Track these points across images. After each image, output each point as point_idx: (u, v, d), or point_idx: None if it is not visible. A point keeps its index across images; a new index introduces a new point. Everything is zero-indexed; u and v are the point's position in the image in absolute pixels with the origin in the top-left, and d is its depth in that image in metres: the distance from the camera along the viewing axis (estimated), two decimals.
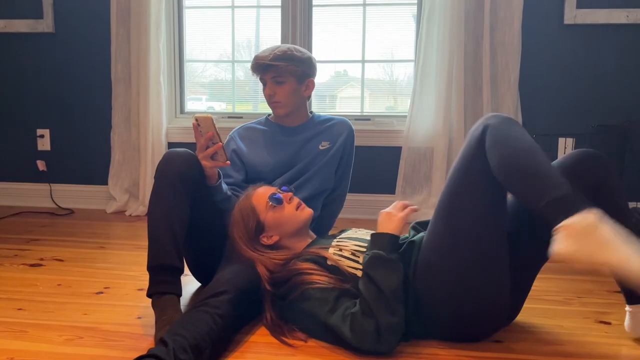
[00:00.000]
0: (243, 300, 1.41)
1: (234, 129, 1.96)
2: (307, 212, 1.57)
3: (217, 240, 1.72)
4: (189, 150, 1.58)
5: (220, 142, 1.55)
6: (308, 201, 1.86)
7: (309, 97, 1.93)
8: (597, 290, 1.83)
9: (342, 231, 1.64)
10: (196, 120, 1.55)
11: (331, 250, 1.48)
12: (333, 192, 1.98)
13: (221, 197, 1.68)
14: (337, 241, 1.51)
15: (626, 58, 2.77)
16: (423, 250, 1.37)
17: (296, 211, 1.56)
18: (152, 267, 1.47)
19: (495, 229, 1.30)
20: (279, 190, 1.59)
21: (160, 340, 1.20)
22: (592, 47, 2.79)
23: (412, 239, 1.43)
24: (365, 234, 1.55)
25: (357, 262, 1.44)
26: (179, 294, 1.47)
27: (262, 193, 1.57)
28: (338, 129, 1.93)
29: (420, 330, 1.39)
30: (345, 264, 1.43)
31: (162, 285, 1.45)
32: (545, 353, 1.35)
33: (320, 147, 1.89)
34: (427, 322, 1.38)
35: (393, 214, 1.41)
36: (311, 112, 1.98)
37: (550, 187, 1.13)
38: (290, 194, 1.59)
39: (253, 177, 1.87)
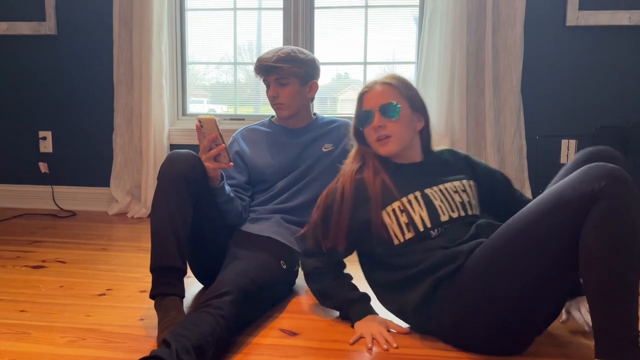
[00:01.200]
0: (246, 301, 1.41)
1: (237, 130, 1.96)
2: (382, 150, 1.47)
3: (220, 241, 1.72)
4: (192, 152, 1.58)
5: (224, 143, 1.54)
6: (311, 203, 1.86)
7: (313, 99, 1.93)
8: None
9: (453, 157, 1.57)
10: (199, 121, 1.54)
11: (394, 205, 1.41)
12: None
13: (224, 199, 1.67)
14: (412, 198, 1.42)
15: (628, 59, 2.76)
16: (474, 262, 1.29)
17: (375, 142, 1.48)
18: (155, 269, 1.47)
19: (553, 279, 1.20)
20: (378, 111, 1.46)
21: (162, 342, 1.19)
22: (594, 49, 2.78)
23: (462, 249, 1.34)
24: (449, 210, 1.42)
25: (403, 234, 1.40)
26: (182, 296, 1.47)
27: (373, 97, 1.49)
28: (342, 131, 1.92)
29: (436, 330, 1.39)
30: (392, 227, 1.41)
31: (165, 287, 1.45)
32: (551, 355, 1.35)
33: (324, 149, 1.89)
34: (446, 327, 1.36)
35: (375, 329, 1.43)
36: (314, 114, 1.98)
37: (626, 325, 1.06)
38: (384, 122, 1.45)
39: (256, 179, 1.87)
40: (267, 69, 1.80)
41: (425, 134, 1.55)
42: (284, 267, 1.67)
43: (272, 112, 1.93)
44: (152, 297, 1.46)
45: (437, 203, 1.42)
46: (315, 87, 1.89)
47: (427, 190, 1.44)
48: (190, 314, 1.31)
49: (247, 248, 1.66)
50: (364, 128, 1.49)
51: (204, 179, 1.58)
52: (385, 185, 1.44)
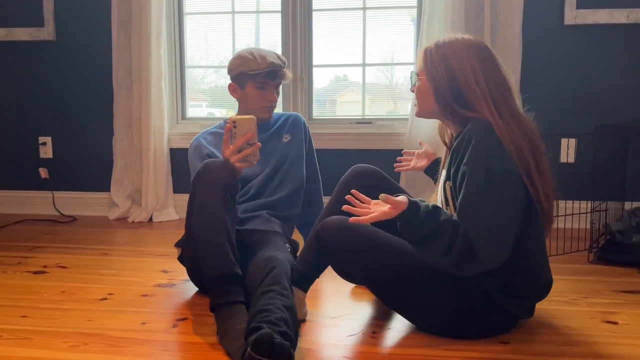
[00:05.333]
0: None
1: (196, 136, 1.96)
2: None
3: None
4: (225, 161, 1.59)
5: (259, 142, 1.58)
6: (291, 197, 1.94)
7: None
8: (603, 290, 1.82)
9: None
10: (233, 122, 1.55)
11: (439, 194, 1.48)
12: (308, 188, 2.04)
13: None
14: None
15: (627, 58, 2.76)
16: None
17: None
18: (217, 277, 1.46)
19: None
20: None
21: (250, 330, 1.20)
22: (593, 48, 2.79)
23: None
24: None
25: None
26: (246, 302, 1.45)
27: None
28: (293, 122, 2.03)
29: None
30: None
31: (232, 295, 1.44)
32: (552, 354, 1.35)
33: (284, 140, 1.98)
34: None
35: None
36: None
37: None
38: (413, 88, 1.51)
39: None
40: (282, 75, 1.88)
41: (445, 108, 1.43)
42: (289, 249, 1.76)
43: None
44: (215, 307, 1.44)
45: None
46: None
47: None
48: (254, 302, 1.33)
49: (257, 241, 1.72)
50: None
51: (237, 186, 1.63)
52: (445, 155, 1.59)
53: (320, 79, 3.16)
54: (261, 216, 1.85)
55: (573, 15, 2.75)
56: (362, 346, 1.40)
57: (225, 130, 1.57)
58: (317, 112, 3.15)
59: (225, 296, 1.44)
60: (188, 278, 1.83)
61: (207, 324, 1.52)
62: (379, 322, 1.56)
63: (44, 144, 3.26)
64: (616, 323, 1.54)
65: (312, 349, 1.38)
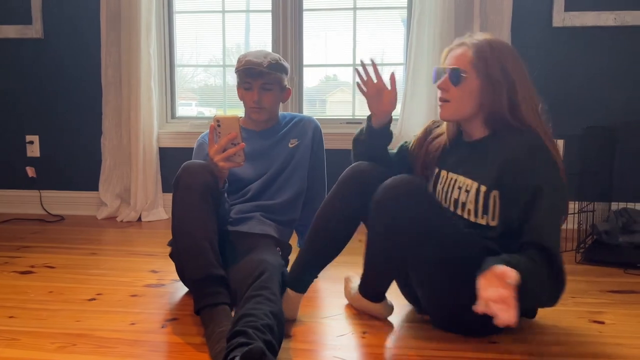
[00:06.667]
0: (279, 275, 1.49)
1: (201, 135, 1.96)
2: (440, 112, 1.48)
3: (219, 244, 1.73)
4: (205, 162, 1.58)
5: (243, 142, 1.55)
6: (291, 202, 1.91)
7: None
8: (591, 290, 1.84)
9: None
10: (217, 121, 1.54)
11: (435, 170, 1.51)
12: (310, 191, 2.01)
13: (223, 201, 1.68)
14: (441, 173, 1.48)
15: (615, 60, 2.79)
16: None
17: (438, 101, 1.51)
18: (200, 280, 1.44)
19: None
20: (446, 72, 1.42)
21: (233, 334, 1.18)
22: (581, 50, 2.81)
23: None
24: (442, 199, 1.48)
25: None
26: (230, 304, 1.45)
27: (451, 56, 1.46)
28: (304, 126, 1.99)
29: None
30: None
31: (215, 296, 1.42)
32: (540, 353, 1.36)
33: (290, 145, 1.95)
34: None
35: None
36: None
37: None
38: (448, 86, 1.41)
39: (231, 182, 1.87)
40: (258, 74, 1.82)
41: (494, 113, 1.39)
42: (280, 253, 1.74)
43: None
44: (199, 309, 1.42)
45: (438, 187, 1.49)
46: (288, 94, 1.96)
47: (444, 172, 1.50)
48: (241, 305, 1.31)
49: (249, 243, 1.70)
50: (434, 83, 1.46)
51: (218, 187, 1.61)
52: (438, 148, 1.54)
53: (311, 79, 3.16)
54: (254, 218, 1.82)
55: (561, 18, 2.78)
56: (352, 346, 1.40)
57: (210, 129, 1.56)
58: (307, 112, 3.15)
59: (208, 298, 1.42)
60: (177, 278, 1.82)
61: (197, 325, 1.51)
62: (369, 322, 1.56)
63: (32, 142, 3.23)
64: (603, 323, 1.56)
65: (303, 349, 1.38)
